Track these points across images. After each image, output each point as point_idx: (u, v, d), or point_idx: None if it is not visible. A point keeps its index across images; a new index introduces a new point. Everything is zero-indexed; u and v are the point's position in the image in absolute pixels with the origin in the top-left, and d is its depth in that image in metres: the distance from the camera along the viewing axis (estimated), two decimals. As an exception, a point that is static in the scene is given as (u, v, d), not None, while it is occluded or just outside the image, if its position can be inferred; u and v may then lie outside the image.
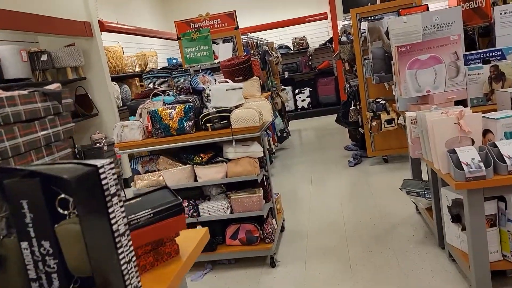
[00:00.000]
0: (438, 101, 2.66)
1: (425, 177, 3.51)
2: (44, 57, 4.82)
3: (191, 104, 2.90)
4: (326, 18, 9.81)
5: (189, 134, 2.89)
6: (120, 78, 6.35)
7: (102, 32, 5.99)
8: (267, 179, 3.16)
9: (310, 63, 10.12)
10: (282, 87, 10.12)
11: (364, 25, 4.41)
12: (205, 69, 3.30)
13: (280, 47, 10.20)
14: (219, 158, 2.96)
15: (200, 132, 2.92)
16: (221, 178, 2.92)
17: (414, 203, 3.38)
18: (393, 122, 4.60)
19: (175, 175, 2.96)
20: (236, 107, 2.94)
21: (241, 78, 3.14)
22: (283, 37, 10.44)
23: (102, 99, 5.65)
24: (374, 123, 4.63)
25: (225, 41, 5.00)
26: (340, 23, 8.55)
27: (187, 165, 2.98)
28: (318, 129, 8.51)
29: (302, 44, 10.10)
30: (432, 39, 2.72)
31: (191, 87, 3.06)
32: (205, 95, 3.05)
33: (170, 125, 2.87)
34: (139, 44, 8.30)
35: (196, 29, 5.03)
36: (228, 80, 2.97)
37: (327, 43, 9.97)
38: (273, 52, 7.49)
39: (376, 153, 5.12)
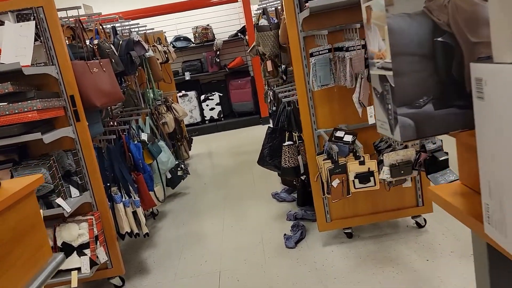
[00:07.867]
0: None
1: None
2: None
3: None
4: (235, 0, 7.43)
5: None
6: None
7: None
8: None
9: (218, 59, 7.68)
10: (183, 93, 7.57)
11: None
12: None
13: (178, 38, 7.61)
14: None
15: None
16: None
17: None
18: (372, 178, 2.33)
19: None
20: None
21: None
22: (182, 26, 7.87)
23: None
24: (335, 183, 2.32)
25: (21, 18, 2.39)
26: (255, 7, 6.24)
27: None
28: (232, 151, 6.11)
29: (206, 35, 7.61)
30: None
31: None
32: None
33: None
34: None
35: None
36: None
37: (239, 34, 7.61)
38: (157, 46, 4.91)
39: (333, 225, 2.83)
